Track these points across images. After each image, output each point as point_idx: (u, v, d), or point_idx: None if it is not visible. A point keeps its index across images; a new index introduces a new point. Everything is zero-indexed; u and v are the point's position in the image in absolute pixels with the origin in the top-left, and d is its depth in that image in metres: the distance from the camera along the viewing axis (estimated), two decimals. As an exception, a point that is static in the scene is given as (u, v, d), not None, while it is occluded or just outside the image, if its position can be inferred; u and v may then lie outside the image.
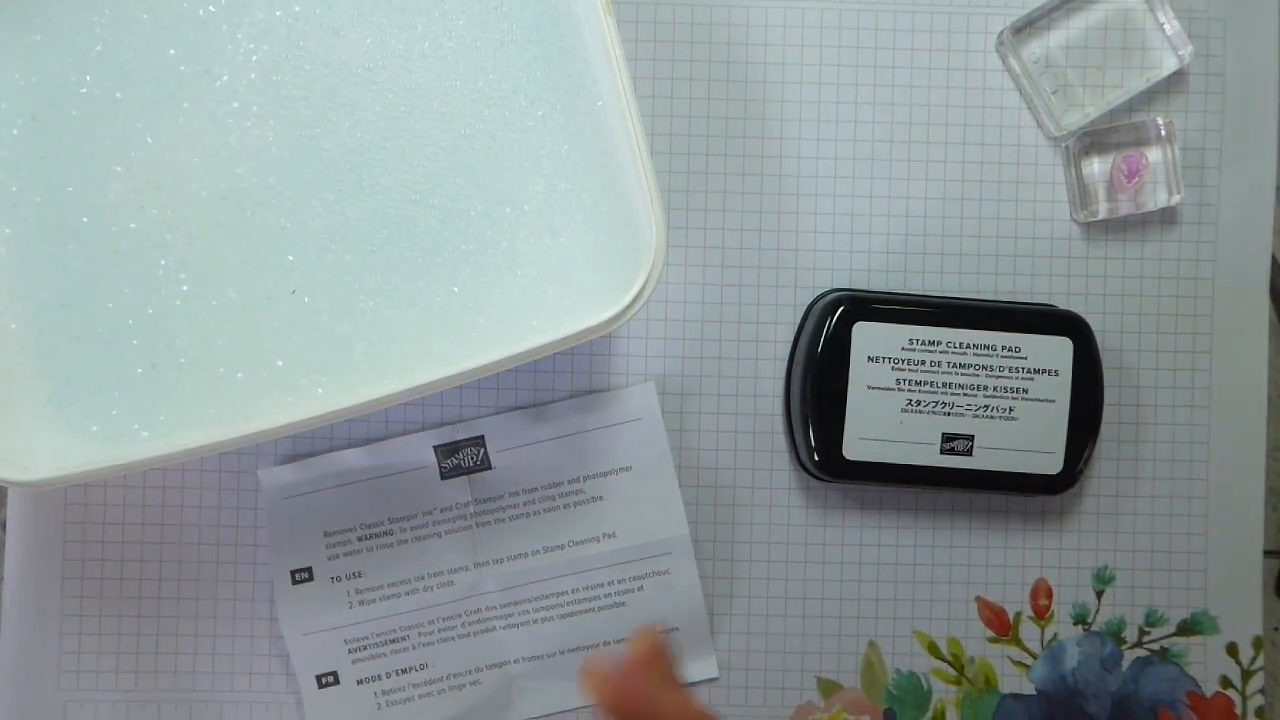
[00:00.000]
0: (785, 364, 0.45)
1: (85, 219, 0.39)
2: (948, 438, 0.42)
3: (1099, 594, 0.45)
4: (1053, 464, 0.43)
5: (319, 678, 0.44)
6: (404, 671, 0.44)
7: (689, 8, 0.45)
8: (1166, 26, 0.45)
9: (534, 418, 0.44)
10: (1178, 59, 0.45)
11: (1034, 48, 0.45)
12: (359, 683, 0.44)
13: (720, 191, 0.45)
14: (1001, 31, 0.45)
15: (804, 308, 0.45)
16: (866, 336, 0.42)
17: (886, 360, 0.42)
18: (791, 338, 0.45)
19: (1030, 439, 0.42)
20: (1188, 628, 0.45)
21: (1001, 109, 0.45)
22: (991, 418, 0.42)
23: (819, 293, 0.45)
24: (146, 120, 0.39)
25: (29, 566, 0.45)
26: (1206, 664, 0.45)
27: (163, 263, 0.39)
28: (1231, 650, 0.45)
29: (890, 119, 0.45)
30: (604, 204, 0.39)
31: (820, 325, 0.42)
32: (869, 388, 0.42)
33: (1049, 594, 0.45)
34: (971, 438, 0.42)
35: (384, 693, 0.44)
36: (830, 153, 0.45)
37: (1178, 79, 0.45)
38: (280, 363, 0.39)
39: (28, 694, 0.45)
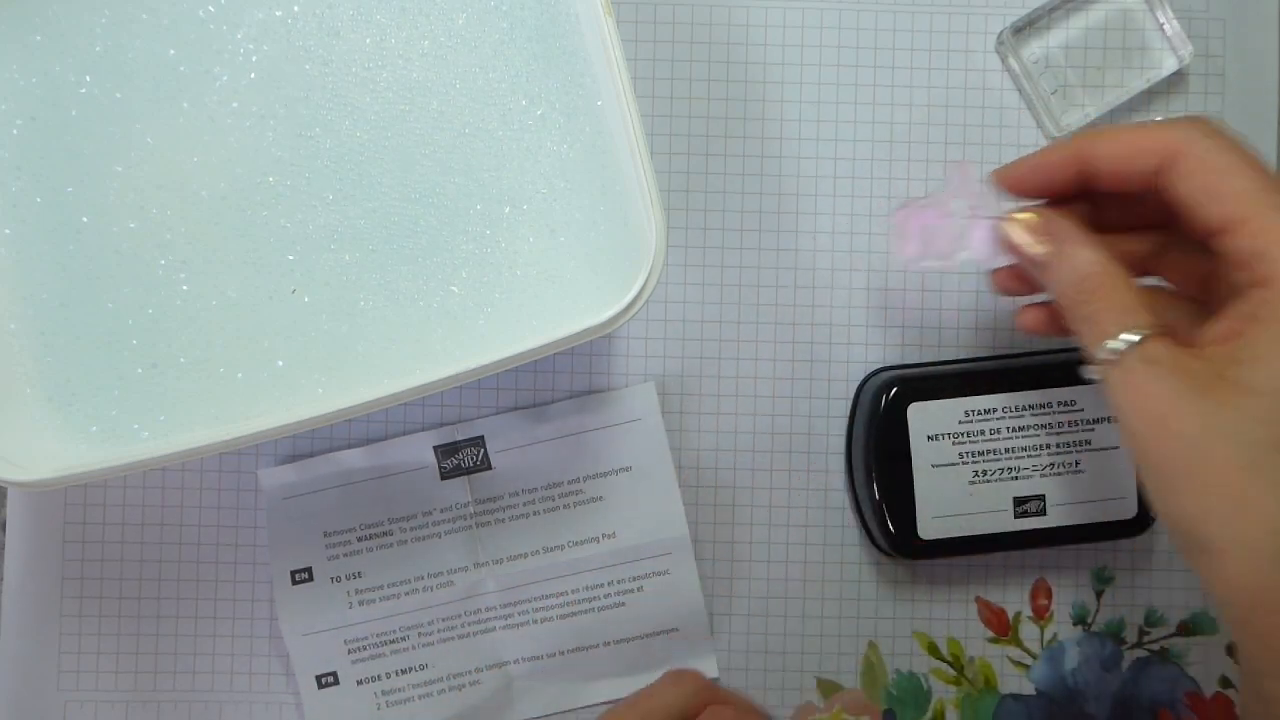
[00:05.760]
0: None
1: (85, 219, 0.39)
2: (1019, 501, 0.42)
3: (1099, 594, 0.45)
4: (1127, 508, 0.42)
5: (319, 678, 0.44)
6: (404, 672, 0.44)
7: (689, 8, 0.45)
8: (1166, 26, 0.45)
9: (534, 418, 0.44)
10: (1178, 59, 0.45)
11: (1034, 48, 0.45)
12: (359, 683, 0.44)
13: (720, 191, 0.45)
14: (1001, 31, 0.45)
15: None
16: (922, 416, 0.42)
17: (946, 436, 0.42)
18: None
19: (1101, 488, 0.42)
20: (1188, 628, 0.45)
21: (1001, 109, 0.45)
22: (1059, 474, 0.42)
23: (868, 372, 0.45)
24: (146, 120, 0.39)
25: (29, 566, 0.45)
26: (1206, 664, 0.45)
27: (163, 263, 0.39)
28: (1231, 650, 0.45)
29: (890, 119, 0.45)
30: (603, 204, 0.39)
31: (874, 412, 0.42)
32: (933, 466, 0.42)
33: (1048, 594, 0.45)
34: (1043, 497, 0.42)
35: (384, 693, 0.44)
36: (830, 153, 0.45)
37: (1178, 79, 0.45)
38: (280, 363, 0.39)
39: (28, 694, 0.45)
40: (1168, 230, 0.35)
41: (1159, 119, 0.33)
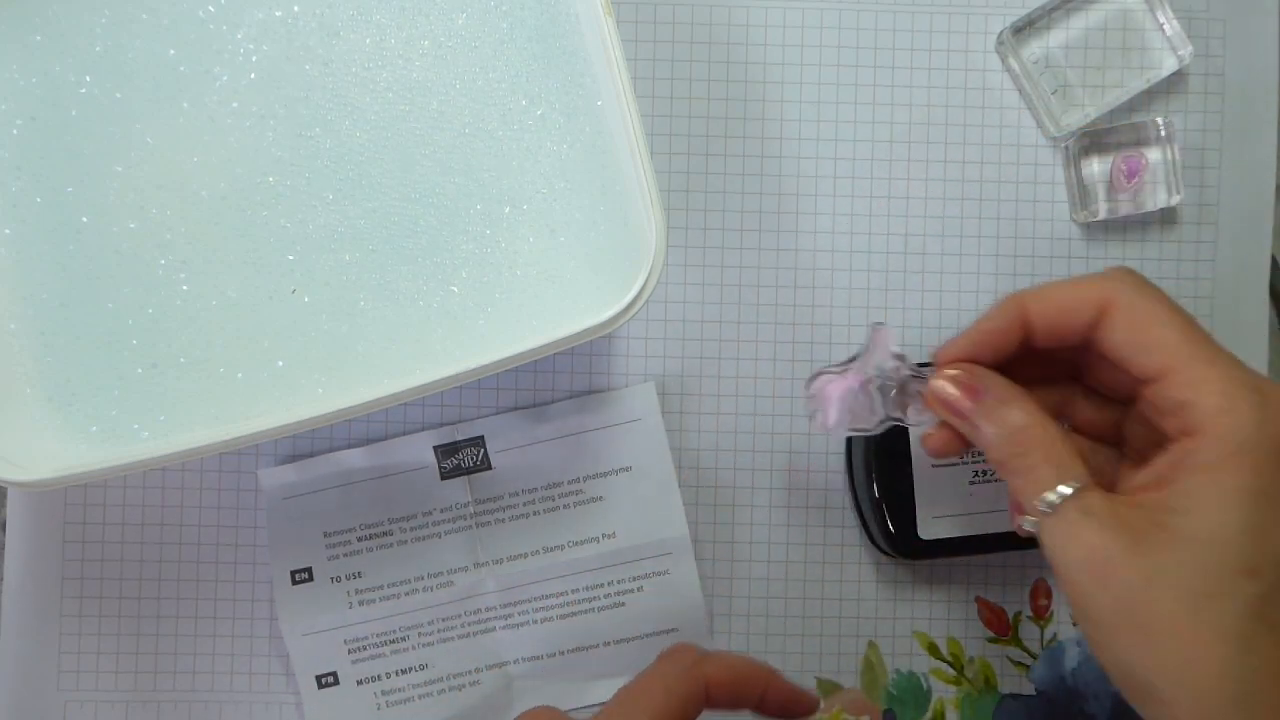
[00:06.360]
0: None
1: (85, 219, 0.39)
2: None
3: (1099, 594, 0.45)
4: None
5: (319, 678, 0.44)
6: (404, 672, 0.44)
7: (689, 8, 0.45)
8: (1166, 26, 0.45)
9: (534, 418, 0.44)
10: (1178, 59, 0.45)
11: (1034, 48, 0.45)
12: (359, 683, 0.44)
13: (720, 191, 0.45)
14: (1001, 31, 0.45)
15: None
16: None
17: None
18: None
19: None
20: (1188, 628, 0.45)
21: (1001, 109, 0.45)
22: None
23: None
24: (146, 120, 0.39)
25: (29, 566, 0.45)
26: (1206, 664, 0.45)
27: (163, 263, 0.39)
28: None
29: (890, 119, 0.45)
30: (603, 204, 0.39)
31: None
32: (933, 466, 0.42)
33: (1048, 594, 0.45)
34: None
35: (384, 693, 0.44)
36: (830, 153, 0.45)
37: (1178, 79, 0.45)
38: (280, 363, 0.39)
39: (28, 694, 0.45)
40: (1075, 381, 0.36)
41: (1088, 274, 0.34)
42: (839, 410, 0.37)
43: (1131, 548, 0.29)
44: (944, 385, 0.34)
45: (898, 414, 0.36)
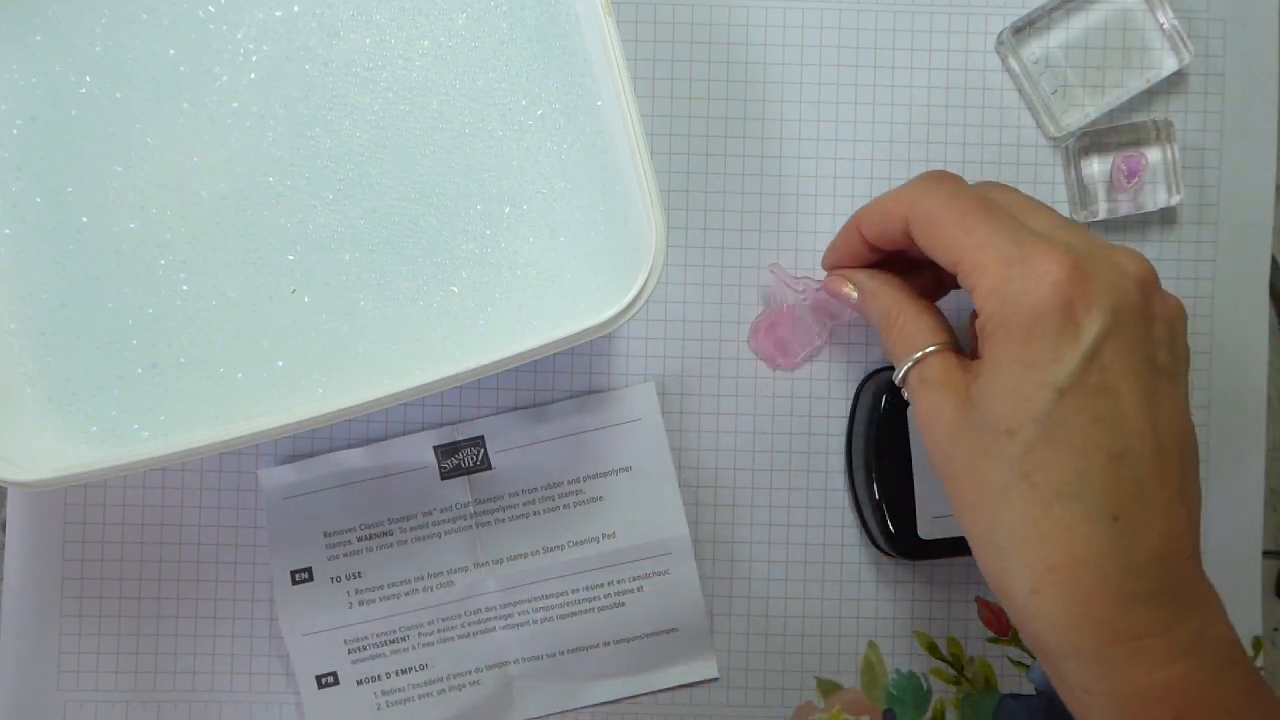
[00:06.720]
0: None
1: (85, 219, 0.39)
2: None
3: (1099, 594, 0.45)
4: None
5: (319, 678, 0.44)
6: (404, 672, 0.44)
7: (689, 8, 0.45)
8: (1166, 26, 0.45)
9: (534, 418, 0.44)
10: (1178, 59, 0.45)
11: (1034, 48, 0.45)
12: (359, 683, 0.44)
13: (720, 191, 0.45)
14: (1001, 31, 0.45)
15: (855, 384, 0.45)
16: None
17: None
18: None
19: None
20: (1188, 628, 0.45)
21: (1001, 109, 0.45)
22: None
23: (868, 372, 0.44)
24: (146, 120, 0.39)
25: (29, 566, 0.45)
26: (1206, 664, 0.45)
27: (163, 263, 0.39)
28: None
29: (890, 119, 0.45)
30: (603, 204, 0.39)
31: (874, 412, 0.42)
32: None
33: (1049, 594, 0.45)
34: None
35: (384, 693, 0.44)
36: (830, 153, 0.45)
37: (1178, 79, 0.45)
38: (280, 363, 0.39)
39: (28, 694, 0.45)
40: None
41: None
42: (783, 349, 0.44)
43: (948, 409, 0.34)
44: (836, 286, 0.40)
45: (826, 321, 0.43)
